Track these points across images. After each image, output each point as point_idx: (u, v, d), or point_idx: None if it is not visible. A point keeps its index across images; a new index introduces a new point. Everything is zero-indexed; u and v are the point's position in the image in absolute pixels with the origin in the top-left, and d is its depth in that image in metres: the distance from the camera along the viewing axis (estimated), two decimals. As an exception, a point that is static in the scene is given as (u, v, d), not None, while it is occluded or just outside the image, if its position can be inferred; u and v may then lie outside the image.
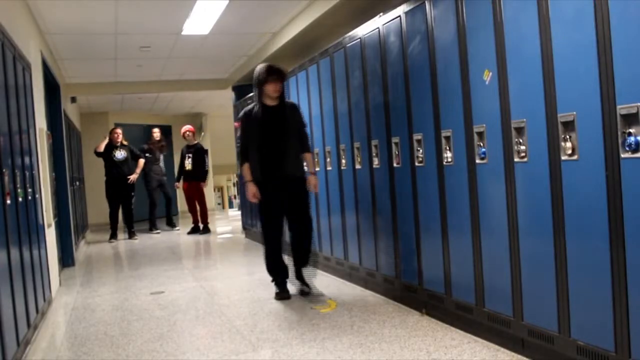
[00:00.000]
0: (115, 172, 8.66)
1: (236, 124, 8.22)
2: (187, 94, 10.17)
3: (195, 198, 8.99)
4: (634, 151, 1.99)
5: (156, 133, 9.64)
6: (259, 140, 4.10)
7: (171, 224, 9.91)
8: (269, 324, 3.56)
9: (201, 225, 9.11)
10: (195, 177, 8.93)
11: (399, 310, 3.62)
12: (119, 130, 8.89)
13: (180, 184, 9.28)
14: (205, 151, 9.32)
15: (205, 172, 9.15)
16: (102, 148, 8.69)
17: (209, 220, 9.33)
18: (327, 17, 5.16)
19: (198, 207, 9.08)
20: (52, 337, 3.75)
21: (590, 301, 2.24)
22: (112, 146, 8.74)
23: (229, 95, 9.23)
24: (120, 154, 8.72)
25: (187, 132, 9.05)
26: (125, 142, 8.88)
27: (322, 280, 4.70)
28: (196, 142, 9.21)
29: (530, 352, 2.61)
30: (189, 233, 9.10)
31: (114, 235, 8.89)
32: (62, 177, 6.53)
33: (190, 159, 8.92)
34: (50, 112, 6.11)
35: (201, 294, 4.63)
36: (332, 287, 4.42)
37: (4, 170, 2.94)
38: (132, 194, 8.85)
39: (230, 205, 16.82)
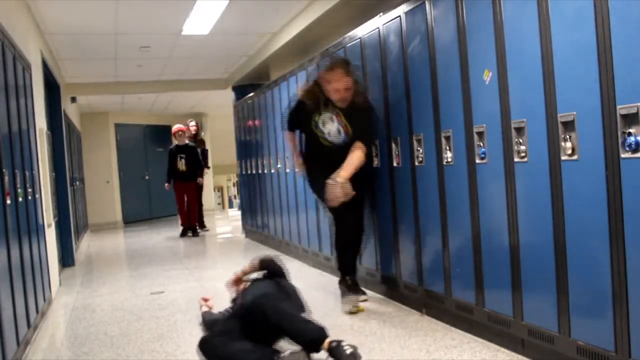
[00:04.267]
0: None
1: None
2: (187, 94, 10.17)
3: (189, 198, 8.60)
4: (634, 151, 1.99)
5: (193, 127, 9.57)
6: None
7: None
8: (269, 324, 3.56)
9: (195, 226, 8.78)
10: (189, 178, 8.59)
11: (399, 310, 3.62)
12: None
13: (170, 185, 8.77)
14: (195, 148, 8.86)
15: (202, 168, 8.91)
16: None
17: (196, 222, 8.88)
18: (327, 17, 5.17)
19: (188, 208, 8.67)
20: (52, 337, 3.75)
21: (590, 301, 2.25)
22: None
23: (229, 95, 9.23)
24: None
25: (179, 132, 8.63)
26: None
27: (321, 279, 4.71)
28: (187, 142, 8.75)
29: (530, 352, 2.61)
30: (181, 235, 8.73)
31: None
32: (62, 177, 6.53)
33: (183, 160, 8.53)
34: (50, 112, 6.12)
35: (201, 293, 4.62)
36: (332, 287, 4.42)
37: (4, 170, 2.94)
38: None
39: (230, 205, 16.80)
